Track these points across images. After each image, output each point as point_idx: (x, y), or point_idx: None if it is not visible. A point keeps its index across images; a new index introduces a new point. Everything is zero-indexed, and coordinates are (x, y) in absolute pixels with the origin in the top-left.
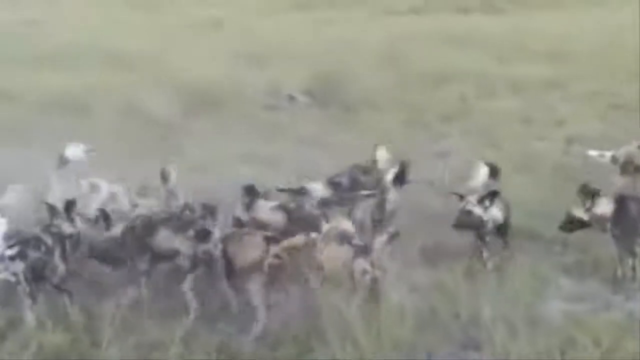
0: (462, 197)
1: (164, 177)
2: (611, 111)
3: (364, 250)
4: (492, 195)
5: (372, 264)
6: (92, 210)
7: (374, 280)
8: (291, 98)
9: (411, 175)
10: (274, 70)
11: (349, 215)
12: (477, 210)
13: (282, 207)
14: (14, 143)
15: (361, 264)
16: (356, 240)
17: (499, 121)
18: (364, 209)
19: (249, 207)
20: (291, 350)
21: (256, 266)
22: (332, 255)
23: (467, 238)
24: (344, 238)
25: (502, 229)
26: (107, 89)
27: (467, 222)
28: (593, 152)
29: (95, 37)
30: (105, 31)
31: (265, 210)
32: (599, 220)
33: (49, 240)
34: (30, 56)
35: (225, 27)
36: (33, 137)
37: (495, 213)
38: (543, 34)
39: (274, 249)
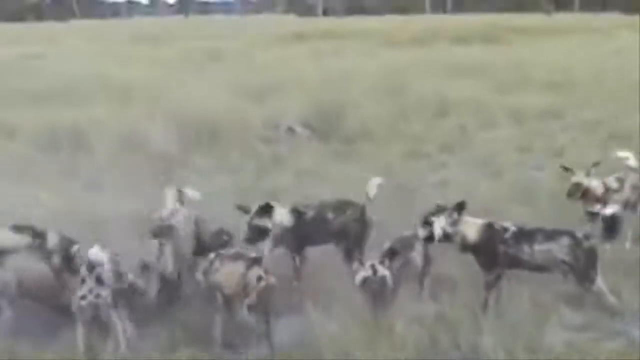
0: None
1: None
2: (611, 140)
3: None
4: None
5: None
6: None
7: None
8: (290, 130)
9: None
10: (273, 102)
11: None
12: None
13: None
14: (13, 179)
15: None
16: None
17: (498, 151)
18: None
19: None
20: None
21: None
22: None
23: (468, 268)
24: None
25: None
26: (108, 123)
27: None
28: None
29: (96, 70)
30: (106, 65)
31: None
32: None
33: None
34: (32, 90)
35: (224, 59)
36: (33, 173)
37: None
38: (542, 63)
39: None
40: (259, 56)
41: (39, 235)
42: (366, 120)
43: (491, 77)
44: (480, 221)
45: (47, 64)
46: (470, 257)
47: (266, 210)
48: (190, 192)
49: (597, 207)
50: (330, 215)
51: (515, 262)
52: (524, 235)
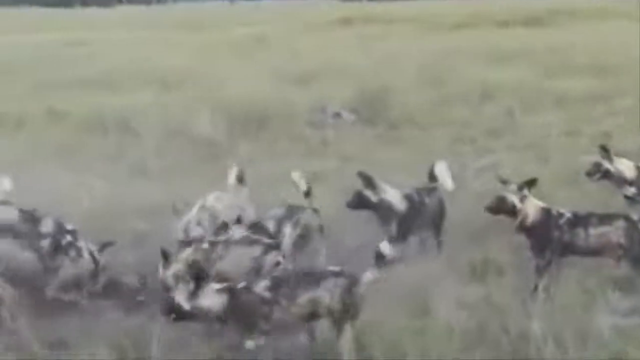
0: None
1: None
2: None
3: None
4: (530, 183)
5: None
6: None
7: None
8: (336, 115)
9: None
10: (319, 88)
11: None
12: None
13: None
14: (62, 163)
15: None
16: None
17: (544, 135)
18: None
19: None
20: None
21: None
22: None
23: (515, 253)
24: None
25: None
26: (153, 109)
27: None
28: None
29: (142, 57)
30: (152, 51)
31: None
32: None
33: None
34: (79, 77)
35: (270, 45)
36: (81, 158)
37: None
38: (587, 47)
39: None
40: (305, 41)
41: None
42: (411, 105)
43: (536, 61)
44: (540, 204)
45: (93, 50)
46: (518, 241)
47: (370, 183)
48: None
49: (629, 191)
50: (427, 201)
51: (570, 249)
52: (579, 220)
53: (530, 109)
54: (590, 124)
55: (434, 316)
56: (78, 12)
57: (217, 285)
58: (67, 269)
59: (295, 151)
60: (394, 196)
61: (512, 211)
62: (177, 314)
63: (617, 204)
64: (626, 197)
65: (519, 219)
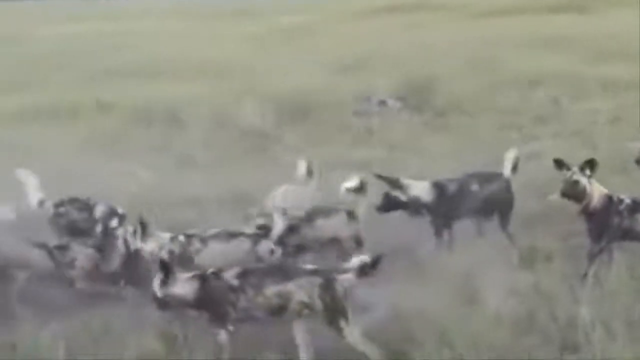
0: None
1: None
2: None
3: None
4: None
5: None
6: None
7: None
8: (382, 103)
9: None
10: (365, 76)
11: None
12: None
13: None
14: (109, 154)
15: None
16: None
17: (591, 122)
18: None
19: None
20: (384, 355)
21: None
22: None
23: (563, 239)
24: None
25: None
26: (199, 99)
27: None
28: None
29: (186, 47)
30: (196, 41)
31: None
32: None
33: None
34: (124, 67)
35: (316, 33)
36: (128, 148)
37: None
38: (633, 33)
39: None
40: (350, 29)
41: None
42: (457, 92)
43: (582, 48)
44: (603, 190)
45: (134, 40)
46: (566, 228)
47: (396, 184)
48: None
49: None
50: (475, 188)
51: (629, 234)
52: (638, 206)
53: (577, 95)
54: (637, 111)
55: (483, 304)
56: (116, 1)
57: (187, 274)
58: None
59: (342, 140)
60: (421, 189)
61: (582, 195)
62: (154, 301)
63: None
64: None
65: (584, 202)
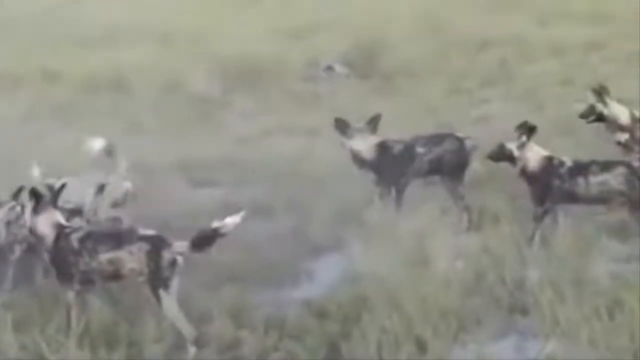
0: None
1: None
2: None
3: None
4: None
5: None
6: None
7: None
8: (329, 68)
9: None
10: (312, 42)
11: None
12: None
13: None
14: (57, 122)
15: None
16: None
17: (540, 84)
18: None
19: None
20: (337, 319)
21: None
22: None
23: (511, 201)
24: None
25: None
26: (149, 67)
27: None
28: None
29: (135, 15)
30: (145, 10)
31: None
32: None
33: None
34: (73, 36)
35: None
36: (77, 117)
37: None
38: None
39: None
40: None
41: None
42: (406, 57)
43: (531, 10)
44: (543, 152)
45: (85, 9)
46: (514, 191)
47: (345, 130)
48: None
49: (622, 137)
50: (420, 149)
51: (571, 197)
52: (580, 168)
53: (526, 58)
54: (587, 72)
55: (432, 266)
56: None
57: (55, 216)
58: None
59: (289, 106)
60: (364, 146)
61: (512, 158)
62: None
63: (611, 152)
64: (619, 143)
65: (519, 166)
